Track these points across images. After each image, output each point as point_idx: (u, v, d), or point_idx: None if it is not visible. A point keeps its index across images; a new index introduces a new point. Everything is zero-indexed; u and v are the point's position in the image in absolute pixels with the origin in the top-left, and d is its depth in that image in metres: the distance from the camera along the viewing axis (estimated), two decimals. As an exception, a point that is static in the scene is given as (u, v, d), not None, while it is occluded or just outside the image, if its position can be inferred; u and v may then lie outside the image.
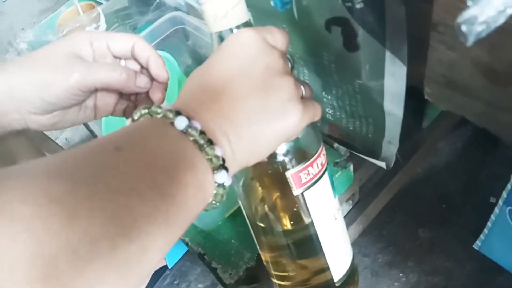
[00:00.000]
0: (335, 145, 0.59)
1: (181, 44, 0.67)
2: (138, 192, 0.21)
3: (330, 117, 0.53)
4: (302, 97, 0.31)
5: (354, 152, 0.57)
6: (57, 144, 1.03)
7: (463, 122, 0.95)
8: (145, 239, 0.20)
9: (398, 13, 0.34)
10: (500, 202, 0.34)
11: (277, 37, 0.31)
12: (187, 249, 1.00)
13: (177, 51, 0.68)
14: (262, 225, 0.42)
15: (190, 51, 0.70)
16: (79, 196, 0.19)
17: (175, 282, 0.97)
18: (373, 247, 0.88)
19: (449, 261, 0.83)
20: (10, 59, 1.45)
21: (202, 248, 0.58)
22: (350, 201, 0.76)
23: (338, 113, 0.51)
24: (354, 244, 0.83)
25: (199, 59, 0.71)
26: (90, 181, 0.20)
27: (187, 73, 0.68)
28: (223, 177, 0.26)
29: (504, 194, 0.33)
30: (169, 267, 0.97)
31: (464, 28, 0.14)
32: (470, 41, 0.15)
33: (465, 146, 0.96)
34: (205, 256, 0.57)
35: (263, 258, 0.46)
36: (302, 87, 0.31)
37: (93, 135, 0.93)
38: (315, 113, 0.32)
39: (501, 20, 0.14)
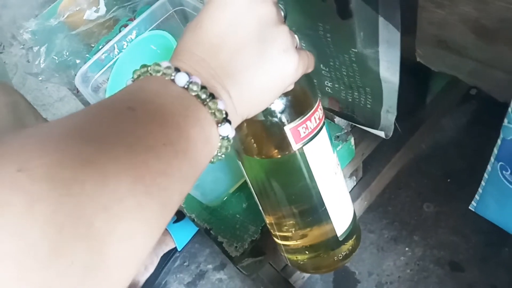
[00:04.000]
0: (336, 119, 0.60)
1: (180, 25, 0.68)
2: (155, 150, 0.21)
3: (329, 90, 0.54)
4: (296, 47, 0.31)
5: (355, 125, 0.58)
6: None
7: (467, 97, 0.95)
8: (164, 195, 0.21)
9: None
10: (492, 159, 0.34)
11: None
12: (195, 232, 1.02)
13: (176, 32, 0.69)
14: (263, 186, 0.43)
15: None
16: (106, 157, 0.19)
17: (185, 264, 0.99)
18: (379, 223, 0.88)
19: (454, 235, 0.84)
20: (14, 53, 1.47)
21: (208, 223, 0.59)
22: (354, 177, 0.77)
23: (336, 85, 0.52)
24: (359, 220, 0.84)
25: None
26: (112, 142, 0.20)
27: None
28: (227, 130, 0.27)
29: (495, 150, 0.34)
30: (179, 249, 0.99)
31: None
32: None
33: (469, 121, 0.96)
34: (211, 231, 0.58)
35: (267, 221, 0.47)
36: (296, 36, 0.32)
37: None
38: (309, 62, 0.33)
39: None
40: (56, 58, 0.61)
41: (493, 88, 0.31)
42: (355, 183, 0.78)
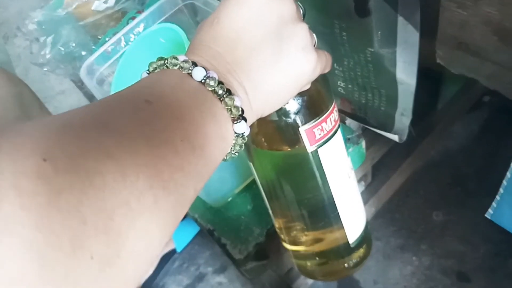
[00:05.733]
0: (347, 120, 0.58)
1: (190, 19, 0.67)
2: (173, 144, 0.21)
3: (342, 91, 0.52)
4: (314, 46, 0.31)
5: (366, 128, 0.56)
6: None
7: (478, 104, 0.93)
8: (180, 191, 0.21)
9: (412, -27, 0.33)
10: (508, 174, 0.33)
11: None
12: (195, 233, 1.00)
13: (186, 26, 0.67)
14: (274, 187, 0.42)
15: (199, 26, 0.70)
16: (126, 151, 0.19)
17: (184, 265, 0.97)
18: (386, 230, 0.87)
19: (462, 245, 0.82)
20: (18, 44, 1.46)
21: (211, 224, 0.57)
22: (363, 182, 0.75)
23: (350, 86, 0.50)
24: (365, 226, 0.82)
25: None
26: (131, 136, 0.20)
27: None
28: (242, 127, 0.26)
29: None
30: (178, 251, 0.98)
31: None
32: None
33: (480, 129, 0.94)
34: (214, 232, 0.57)
35: (275, 225, 0.46)
36: (314, 35, 0.31)
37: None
38: (327, 62, 0.32)
39: None
40: (62, 49, 0.60)
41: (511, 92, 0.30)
42: (363, 188, 0.76)
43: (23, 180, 0.16)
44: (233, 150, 0.27)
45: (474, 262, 0.79)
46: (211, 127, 0.24)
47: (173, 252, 0.97)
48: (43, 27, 0.72)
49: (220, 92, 0.25)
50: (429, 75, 0.67)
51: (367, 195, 0.78)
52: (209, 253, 0.98)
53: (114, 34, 0.62)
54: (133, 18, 0.62)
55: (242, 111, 0.26)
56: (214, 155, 0.24)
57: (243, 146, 0.27)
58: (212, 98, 0.25)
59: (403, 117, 0.47)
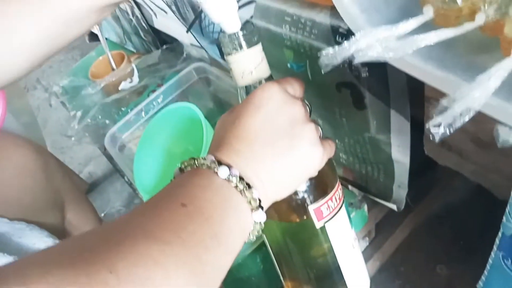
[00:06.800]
0: (350, 187, 0.62)
1: (204, 90, 0.73)
2: (204, 245, 0.26)
3: (344, 161, 0.57)
4: (320, 137, 0.35)
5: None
6: (81, 178, 1.09)
7: (478, 159, 0.96)
8: (211, 283, 0.26)
9: (400, 79, 0.38)
10: (495, 247, 0.37)
11: (296, 86, 0.36)
12: None
13: (200, 96, 0.73)
14: (284, 255, 0.45)
15: (212, 96, 0.76)
16: (167, 255, 0.24)
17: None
18: (391, 284, 0.88)
19: (467, 299, 0.83)
20: (37, 96, 1.54)
21: (223, 284, 0.61)
22: (367, 238, 0.78)
23: (351, 158, 0.55)
24: (371, 280, 0.84)
25: (219, 103, 0.77)
26: (172, 241, 0.24)
27: (209, 115, 0.74)
28: (260, 216, 0.31)
29: (497, 240, 0.36)
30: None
31: (432, 130, 0.18)
32: (437, 139, 0.19)
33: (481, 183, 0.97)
34: (226, 292, 0.60)
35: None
36: (319, 128, 0.36)
37: (119, 173, 0.98)
38: (331, 150, 0.37)
39: (458, 125, 0.18)
40: (90, 121, 0.66)
41: (492, 187, 0.34)
42: (367, 244, 0.79)
43: None
44: (251, 235, 0.31)
45: (479, 317, 0.80)
46: (234, 220, 0.29)
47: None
48: (68, 92, 0.78)
49: (241, 187, 0.30)
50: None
51: (371, 250, 0.80)
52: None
53: (136, 105, 0.68)
54: (153, 91, 0.68)
55: (260, 201, 0.30)
56: (236, 243, 0.29)
57: (260, 232, 0.32)
58: (234, 192, 0.30)
59: (400, 189, 0.51)
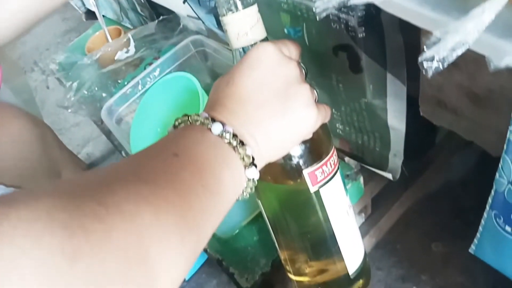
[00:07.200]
0: (346, 158, 0.62)
1: (201, 64, 0.73)
2: (195, 192, 0.26)
3: (340, 132, 0.57)
4: (315, 100, 0.35)
5: (364, 166, 0.60)
6: (79, 158, 1.09)
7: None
8: (201, 231, 0.26)
9: (397, 40, 0.38)
10: (487, 207, 0.37)
11: (292, 48, 0.36)
12: (202, 262, 1.03)
13: (197, 71, 0.73)
14: (280, 222, 0.46)
15: (209, 70, 0.75)
16: (158, 197, 0.23)
17: (192, 293, 1.00)
18: (387, 261, 0.89)
19: (463, 276, 0.84)
20: (35, 78, 1.53)
21: (220, 254, 0.61)
22: (363, 214, 0.79)
23: (347, 128, 0.55)
24: (367, 257, 0.85)
25: (216, 78, 0.77)
26: (162, 184, 0.24)
27: (206, 90, 0.74)
28: (253, 173, 0.31)
29: (490, 200, 0.36)
30: (186, 279, 1.01)
31: (425, 64, 0.18)
32: (430, 74, 0.19)
33: (479, 161, 0.97)
34: (223, 262, 0.61)
35: (281, 257, 0.50)
36: (315, 91, 0.36)
37: (117, 149, 0.98)
38: (326, 114, 0.36)
39: (451, 59, 0.18)
40: (86, 92, 0.65)
41: (485, 144, 0.34)
42: (363, 220, 0.80)
43: (85, 220, 0.20)
44: (244, 192, 0.32)
45: (474, 292, 0.81)
46: (226, 174, 0.29)
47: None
48: (64, 68, 0.78)
49: (234, 143, 0.30)
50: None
51: (367, 226, 0.81)
52: (216, 281, 1.01)
53: (133, 78, 0.68)
54: (150, 64, 0.68)
55: (253, 158, 0.31)
56: (229, 197, 0.29)
57: (253, 189, 0.32)
58: (227, 148, 0.30)
59: (396, 158, 0.51)
